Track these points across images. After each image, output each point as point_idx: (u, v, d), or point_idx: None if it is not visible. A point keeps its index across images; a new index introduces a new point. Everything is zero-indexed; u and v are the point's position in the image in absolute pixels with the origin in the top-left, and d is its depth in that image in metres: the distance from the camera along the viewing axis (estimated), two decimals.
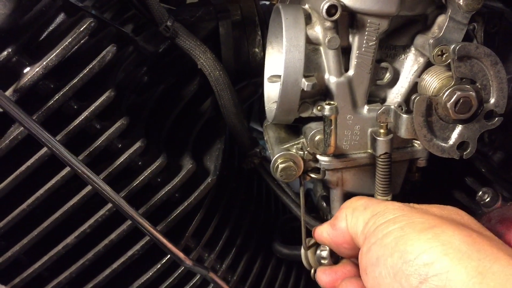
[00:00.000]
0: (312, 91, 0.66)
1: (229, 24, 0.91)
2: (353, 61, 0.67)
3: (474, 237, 0.47)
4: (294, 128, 0.76)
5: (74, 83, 0.66)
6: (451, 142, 0.67)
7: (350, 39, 0.67)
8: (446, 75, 0.65)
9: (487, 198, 0.85)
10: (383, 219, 0.53)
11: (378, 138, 0.67)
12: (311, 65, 0.68)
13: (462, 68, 0.64)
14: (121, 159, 0.71)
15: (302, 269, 0.96)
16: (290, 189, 0.89)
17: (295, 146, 0.73)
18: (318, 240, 0.67)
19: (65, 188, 0.70)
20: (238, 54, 0.92)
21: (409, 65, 0.70)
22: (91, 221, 0.71)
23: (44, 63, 0.64)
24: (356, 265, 0.66)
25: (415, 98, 0.65)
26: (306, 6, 0.69)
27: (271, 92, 0.78)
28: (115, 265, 0.74)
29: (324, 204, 0.84)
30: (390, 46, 0.70)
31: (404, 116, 0.66)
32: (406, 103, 0.69)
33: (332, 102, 0.64)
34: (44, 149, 0.66)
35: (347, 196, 0.75)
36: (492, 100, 0.65)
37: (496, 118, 0.66)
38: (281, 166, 0.71)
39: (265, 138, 0.80)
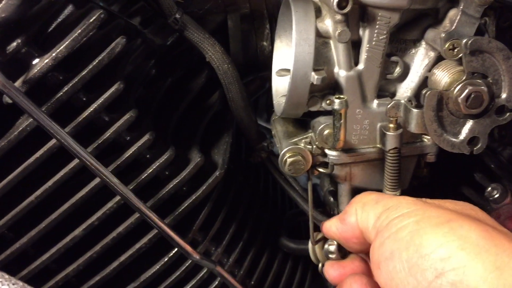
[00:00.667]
0: (322, 85, 0.66)
1: (238, 17, 0.90)
2: (363, 55, 0.67)
3: (490, 231, 0.47)
4: (302, 122, 0.76)
5: (83, 75, 0.66)
6: (461, 137, 0.66)
7: (361, 32, 0.67)
8: (457, 70, 0.65)
9: (496, 194, 0.84)
10: (396, 213, 0.53)
11: (387, 132, 0.67)
12: (321, 59, 0.68)
13: (474, 62, 0.63)
14: (130, 151, 0.70)
15: (309, 263, 0.96)
16: (297, 184, 0.89)
17: (303, 140, 0.73)
18: (327, 234, 0.67)
19: (74, 180, 0.70)
20: (246, 48, 0.92)
21: (420, 59, 0.70)
22: (99, 213, 0.71)
23: (53, 54, 0.64)
24: (364, 260, 0.66)
25: (426, 92, 0.64)
26: None
27: (280, 86, 0.78)
28: (122, 258, 0.74)
29: (331, 199, 0.84)
30: (400, 40, 0.69)
31: (415, 110, 0.65)
32: (416, 97, 0.68)
33: (342, 96, 0.64)
34: (53, 141, 0.66)
35: (355, 191, 0.75)
36: (503, 95, 0.65)
37: (508, 113, 0.65)
38: (289, 160, 0.71)
39: (272, 132, 0.80)
